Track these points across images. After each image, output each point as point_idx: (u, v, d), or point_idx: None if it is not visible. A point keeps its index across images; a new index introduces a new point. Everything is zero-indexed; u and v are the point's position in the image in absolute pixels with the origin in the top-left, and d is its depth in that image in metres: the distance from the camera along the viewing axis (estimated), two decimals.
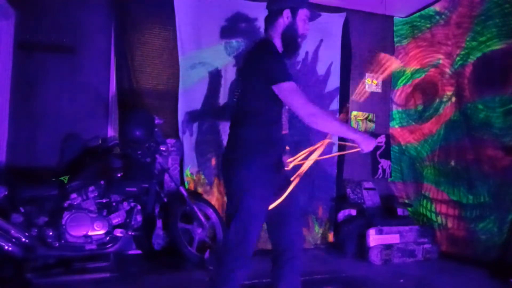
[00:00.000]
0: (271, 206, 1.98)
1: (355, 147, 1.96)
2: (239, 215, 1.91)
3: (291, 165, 2.09)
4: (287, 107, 2.07)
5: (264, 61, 1.96)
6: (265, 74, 1.93)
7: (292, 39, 2.07)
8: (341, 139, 1.96)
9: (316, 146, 2.16)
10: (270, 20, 2.11)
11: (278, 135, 2.06)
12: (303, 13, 2.07)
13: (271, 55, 1.99)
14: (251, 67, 2.01)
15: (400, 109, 4.89)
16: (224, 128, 4.09)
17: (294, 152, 2.20)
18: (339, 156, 4.60)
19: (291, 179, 2.05)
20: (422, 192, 4.50)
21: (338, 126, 1.94)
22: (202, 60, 4.08)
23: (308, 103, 1.89)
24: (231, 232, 1.93)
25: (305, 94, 1.92)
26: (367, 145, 1.91)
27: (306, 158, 2.15)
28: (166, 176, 3.73)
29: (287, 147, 2.16)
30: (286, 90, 1.90)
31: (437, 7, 4.40)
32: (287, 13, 2.05)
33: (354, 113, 4.80)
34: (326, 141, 2.14)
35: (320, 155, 2.14)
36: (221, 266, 1.93)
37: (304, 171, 2.09)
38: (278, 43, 2.08)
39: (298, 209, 2.16)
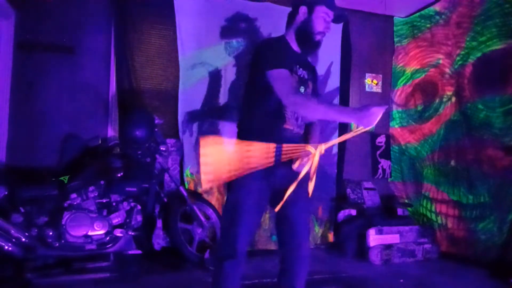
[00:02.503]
0: (277, 208, 1.92)
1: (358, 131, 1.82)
2: (226, 205, 1.95)
3: (297, 164, 1.96)
4: None
5: (262, 49, 1.98)
6: (260, 61, 1.94)
7: (306, 35, 2.04)
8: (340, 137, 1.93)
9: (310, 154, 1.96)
10: (289, 17, 2.12)
11: (276, 128, 1.99)
12: (320, 10, 2.03)
13: (271, 43, 1.99)
14: (252, 58, 2.03)
15: (400, 109, 4.89)
16: (224, 128, 4.09)
17: None
18: (339, 156, 4.60)
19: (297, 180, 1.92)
20: (422, 192, 4.50)
21: (326, 111, 1.84)
22: (202, 60, 4.08)
23: (291, 91, 1.87)
24: (221, 223, 1.99)
25: (291, 82, 1.91)
26: (368, 121, 1.70)
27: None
28: (166, 176, 3.73)
29: (310, 148, 1.95)
30: (273, 77, 1.89)
31: (437, 7, 4.40)
32: (303, 9, 2.04)
33: None
34: (322, 147, 1.94)
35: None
36: (215, 261, 1.95)
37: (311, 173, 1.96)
38: (292, 40, 2.08)
39: (307, 212, 2.14)
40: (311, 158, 1.90)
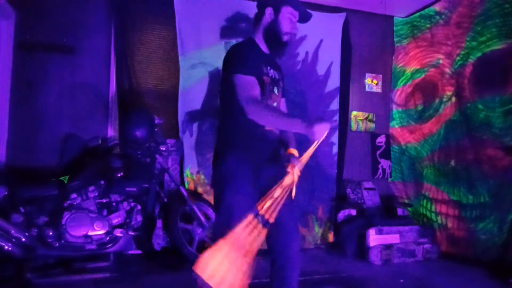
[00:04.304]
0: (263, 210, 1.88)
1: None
2: (220, 210, 1.92)
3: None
4: (274, 103, 2.06)
5: (230, 54, 2.00)
6: (227, 64, 1.97)
7: (274, 37, 2.06)
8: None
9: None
10: (255, 19, 2.14)
11: (257, 128, 1.97)
12: (286, 11, 2.05)
13: (238, 47, 2.00)
14: (223, 62, 2.05)
15: (400, 109, 4.89)
16: None
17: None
18: (339, 156, 4.60)
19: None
20: (422, 192, 4.50)
21: (280, 121, 1.87)
22: (202, 60, 4.08)
23: (249, 99, 1.85)
24: (215, 228, 1.96)
25: (255, 91, 1.89)
26: (318, 133, 1.73)
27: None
28: (166, 176, 3.73)
29: (294, 151, 2.06)
30: (236, 82, 1.91)
31: (437, 7, 4.40)
32: (269, 10, 2.05)
33: (354, 113, 4.80)
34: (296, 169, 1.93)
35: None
36: None
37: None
38: (261, 41, 2.09)
39: (295, 212, 2.11)
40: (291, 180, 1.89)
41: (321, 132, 1.72)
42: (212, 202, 3.82)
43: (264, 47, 2.09)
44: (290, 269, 1.98)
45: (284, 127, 1.94)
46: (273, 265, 2.00)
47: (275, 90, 2.07)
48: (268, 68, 2.04)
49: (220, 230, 1.90)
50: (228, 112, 2.01)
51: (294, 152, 2.07)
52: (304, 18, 2.13)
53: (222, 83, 2.08)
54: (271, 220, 1.81)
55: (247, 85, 1.90)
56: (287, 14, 2.05)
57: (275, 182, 1.89)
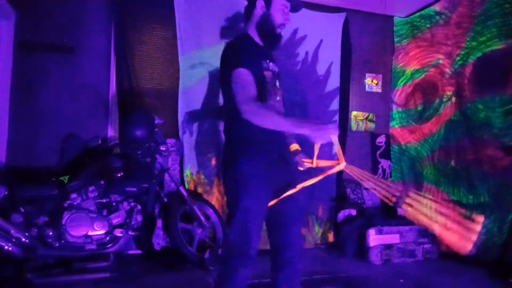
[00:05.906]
0: (270, 204, 1.93)
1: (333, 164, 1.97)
2: (237, 215, 1.88)
3: (308, 165, 2.03)
4: (278, 97, 2.02)
5: (226, 50, 1.95)
6: (225, 62, 1.93)
7: (268, 30, 2.02)
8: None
9: (332, 163, 2.05)
10: (247, 12, 2.10)
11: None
12: (278, 2, 2.01)
13: (234, 43, 1.96)
14: (220, 62, 1.99)
15: (400, 109, 4.89)
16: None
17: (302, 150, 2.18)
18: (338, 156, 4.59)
19: (296, 186, 1.97)
20: (422, 192, 4.50)
21: (281, 123, 1.78)
22: (202, 60, 4.08)
23: (248, 98, 1.79)
24: (231, 232, 1.90)
25: (251, 87, 1.81)
26: (321, 137, 1.71)
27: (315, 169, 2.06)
28: (166, 176, 3.73)
29: (297, 146, 2.13)
30: (232, 79, 1.84)
31: (437, 7, 4.40)
32: (260, 3, 2.02)
33: (354, 113, 4.80)
34: (343, 165, 1.99)
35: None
36: (225, 267, 1.91)
37: (308, 183, 2.01)
38: (255, 35, 2.05)
39: (299, 209, 2.12)
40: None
41: (326, 135, 1.70)
42: (212, 202, 3.86)
43: (259, 41, 2.05)
44: (296, 266, 1.99)
45: (288, 129, 1.85)
46: (277, 261, 2.00)
47: (277, 84, 2.04)
48: (267, 61, 2.00)
49: (239, 233, 1.88)
50: (234, 114, 1.90)
51: (297, 146, 2.12)
52: (296, 7, 2.08)
53: (222, 83, 2.03)
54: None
55: (244, 82, 1.83)
56: (279, 6, 2.01)
57: (286, 183, 1.94)
